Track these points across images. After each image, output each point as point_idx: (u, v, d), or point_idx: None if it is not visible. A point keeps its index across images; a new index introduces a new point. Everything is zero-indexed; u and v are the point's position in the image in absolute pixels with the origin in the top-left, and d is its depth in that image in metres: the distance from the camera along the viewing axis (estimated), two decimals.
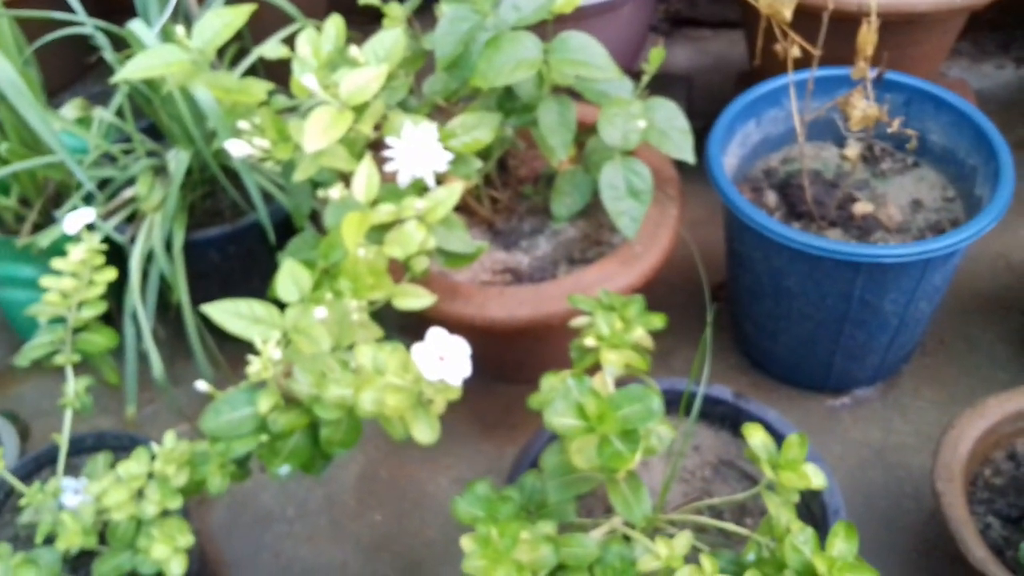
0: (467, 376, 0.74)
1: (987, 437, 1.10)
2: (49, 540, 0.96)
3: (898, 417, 1.35)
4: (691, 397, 1.01)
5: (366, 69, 1.01)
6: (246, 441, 0.85)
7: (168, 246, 1.28)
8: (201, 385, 0.88)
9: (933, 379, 1.39)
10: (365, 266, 0.91)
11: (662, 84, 1.27)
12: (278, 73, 1.22)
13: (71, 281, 1.01)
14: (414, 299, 0.95)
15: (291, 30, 1.37)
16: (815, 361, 1.33)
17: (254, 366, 0.81)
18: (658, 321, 0.91)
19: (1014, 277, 1.52)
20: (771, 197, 1.32)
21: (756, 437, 0.83)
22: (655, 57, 1.18)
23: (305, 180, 1.03)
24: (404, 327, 1.10)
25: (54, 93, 1.90)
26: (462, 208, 1.26)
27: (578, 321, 0.93)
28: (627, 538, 0.82)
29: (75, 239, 1.04)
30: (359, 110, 1.01)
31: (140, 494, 0.91)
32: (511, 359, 1.37)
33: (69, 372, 1.04)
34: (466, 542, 0.75)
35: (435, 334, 0.75)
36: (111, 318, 1.21)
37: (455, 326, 0.90)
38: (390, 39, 1.08)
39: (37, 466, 1.16)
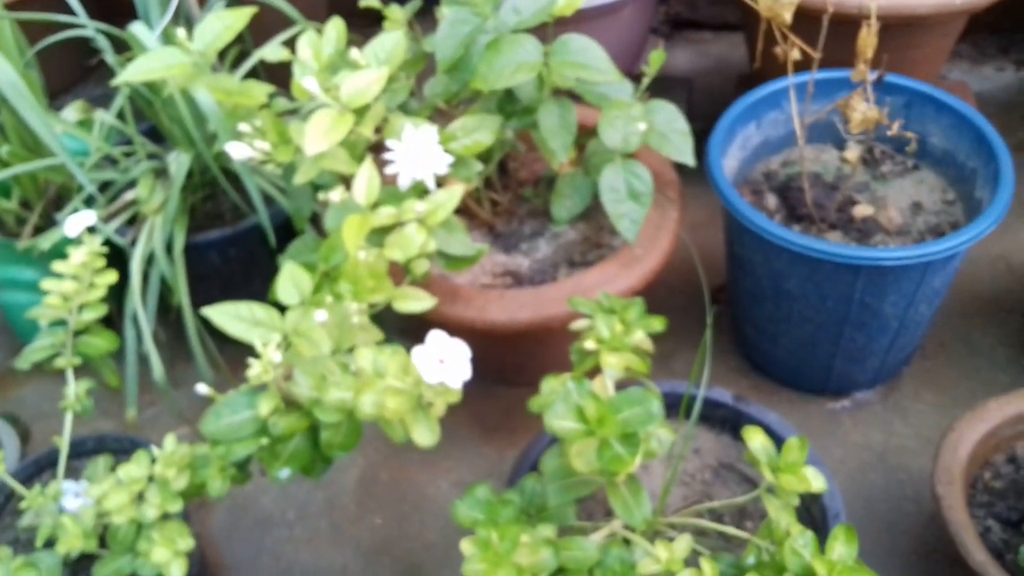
0: (467, 379, 0.75)
1: (987, 440, 1.10)
2: (49, 543, 0.96)
3: (898, 420, 1.35)
4: (691, 400, 1.01)
5: (367, 72, 1.01)
6: (246, 444, 0.85)
7: (169, 249, 1.28)
8: (201, 388, 0.88)
9: (933, 382, 1.39)
10: (365, 269, 0.91)
11: (662, 86, 1.27)
12: (279, 76, 1.23)
13: (72, 284, 1.02)
14: (414, 302, 0.95)
15: (292, 32, 1.37)
16: (815, 364, 1.33)
17: (254, 369, 0.81)
18: (658, 324, 0.91)
19: (1014, 280, 1.52)
20: (771, 200, 1.32)
21: (756, 440, 0.83)
22: (655, 59, 1.18)
23: (306, 183, 1.03)
24: (404, 330, 1.10)
25: (55, 95, 1.90)
26: (462, 211, 1.26)
27: (578, 324, 0.93)
28: (627, 541, 0.82)
29: (76, 242, 1.04)
30: (360, 113, 1.01)
31: (140, 497, 0.91)
32: (511, 362, 1.37)
33: (70, 375, 1.04)
34: (466, 545, 0.75)
35: (435, 337, 0.75)
36: (112, 321, 1.22)
37: (455, 329, 0.90)
38: (391, 42, 1.09)
39: (38, 469, 1.16)
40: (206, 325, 1.20)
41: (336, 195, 1.00)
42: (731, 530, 0.87)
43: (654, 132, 1.15)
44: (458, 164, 1.09)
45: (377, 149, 1.03)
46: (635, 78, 1.20)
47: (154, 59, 1.06)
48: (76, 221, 1.05)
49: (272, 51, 1.17)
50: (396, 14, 1.24)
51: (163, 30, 1.25)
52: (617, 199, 1.15)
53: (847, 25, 1.18)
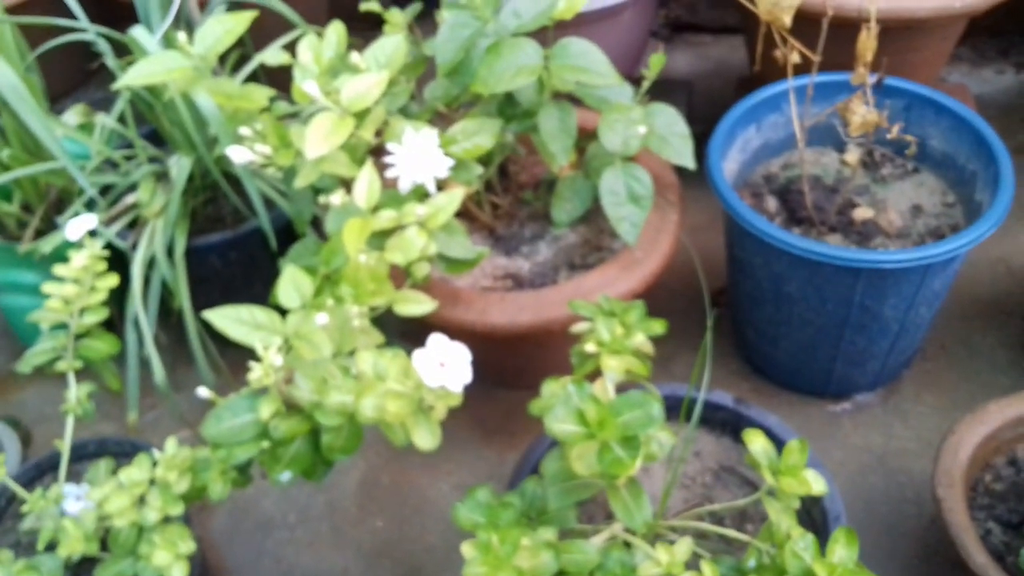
0: (468, 382, 0.75)
1: (988, 443, 1.10)
2: (51, 547, 0.96)
3: (899, 423, 1.35)
4: (692, 403, 1.01)
5: (367, 75, 1.01)
6: (247, 447, 0.85)
7: (170, 252, 1.28)
8: (203, 391, 0.88)
9: (934, 384, 1.39)
10: (366, 272, 0.91)
11: (663, 89, 1.28)
12: (279, 79, 1.23)
13: (73, 287, 1.02)
14: (415, 305, 0.95)
15: (292, 36, 1.37)
16: (816, 366, 1.33)
17: (255, 372, 0.82)
18: (658, 327, 0.92)
19: (1014, 282, 1.52)
20: (771, 202, 1.32)
21: (757, 443, 0.83)
22: (655, 63, 1.18)
23: (306, 186, 1.03)
24: (405, 333, 1.10)
25: (56, 99, 1.90)
26: (463, 214, 1.26)
27: (579, 327, 0.93)
28: (628, 544, 0.82)
29: (77, 245, 1.04)
30: (360, 116, 1.01)
31: (142, 500, 0.91)
32: (512, 365, 1.37)
33: (71, 378, 1.04)
34: (467, 548, 0.75)
35: (436, 340, 0.75)
36: (113, 324, 1.22)
37: (456, 332, 0.90)
38: (391, 45, 1.09)
39: (39, 472, 1.17)
40: (207, 328, 1.21)
41: (337, 198, 1.00)
42: (732, 533, 0.87)
43: (654, 135, 1.15)
44: (458, 167, 1.09)
45: (378, 152, 1.04)
46: (635, 81, 1.20)
47: (155, 63, 1.06)
48: (77, 225, 1.05)
49: (273, 55, 1.17)
50: (396, 18, 1.25)
51: (164, 34, 1.25)
52: (617, 202, 1.16)
53: (847, 28, 1.18)
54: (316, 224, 1.21)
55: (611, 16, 1.54)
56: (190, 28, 1.34)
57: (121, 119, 1.38)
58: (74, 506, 0.97)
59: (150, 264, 1.28)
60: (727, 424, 1.08)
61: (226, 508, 1.33)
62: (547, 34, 1.13)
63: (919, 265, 1.12)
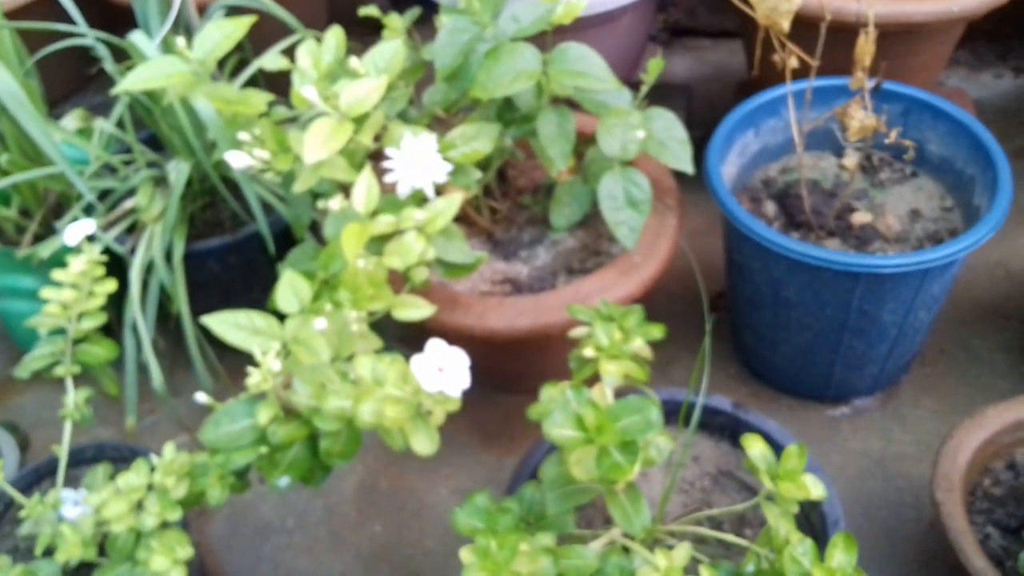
0: (466, 387, 0.75)
1: (986, 447, 1.10)
2: (49, 552, 0.96)
3: (897, 427, 1.35)
4: (690, 407, 1.01)
5: (366, 80, 1.01)
6: (245, 453, 0.85)
7: (168, 257, 1.28)
8: (201, 397, 0.88)
9: (932, 389, 1.39)
10: (365, 277, 0.91)
11: (661, 94, 1.28)
12: (278, 84, 1.23)
13: (71, 292, 1.02)
14: (413, 310, 0.95)
15: (291, 41, 1.38)
16: (814, 371, 1.33)
17: (253, 377, 0.82)
18: (657, 331, 0.92)
19: (1013, 286, 1.53)
20: (770, 207, 1.32)
21: (755, 448, 0.83)
22: (654, 67, 1.18)
23: (305, 191, 1.03)
24: (404, 338, 1.10)
25: (55, 104, 1.90)
26: (461, 219, 1.27)
27: (577, 331, 0.93)
28: (626, 549, 0.82)
29: (75, 250, 1.04)
30: (359, 121, 1.01)
31: (140, 506, 0.91)
32: (510, 369, 1.37)
33: (69, 383, 1.04)
34: (465, 553, 0.75)
35: (434, 345, 0.75)
36: (111, 329, 1.22)
37: (454, 336, 0.90)
38: (390, 50, 1.09)
39: (37, 477, 1.16)
40: (205, 333, 1.20)
41: (335, 203, 1.00)
42: (730, 538, 0.86)
43: (652, 140, 1.15)
44: (457, 172, 1.09)
45: (376, 157, 1.04)
46: (634, 86, 1.20)
47: (154, 68, 1.06)
48: (75, 230, 1.05)
49: (271, 60, 1.17)
50: (395, 22, 1.25)
51: (163, 39, 1.25)
52: (616, 207, 1.16)
53: (845, 33, 1.18)
54: (315, 229, 1.21)
55: (610, 21, 1.54)
56: (189, 33, 1.34)
57: (120, 124, 1.38)
58: (72, 511, 0.97)
59: (148, 269, 1.28)
60: (726, 429, 1.08)
61: (224, 513, 1.33)
62: (546, 39, 1.13)
63: (917, 269, 1.12)
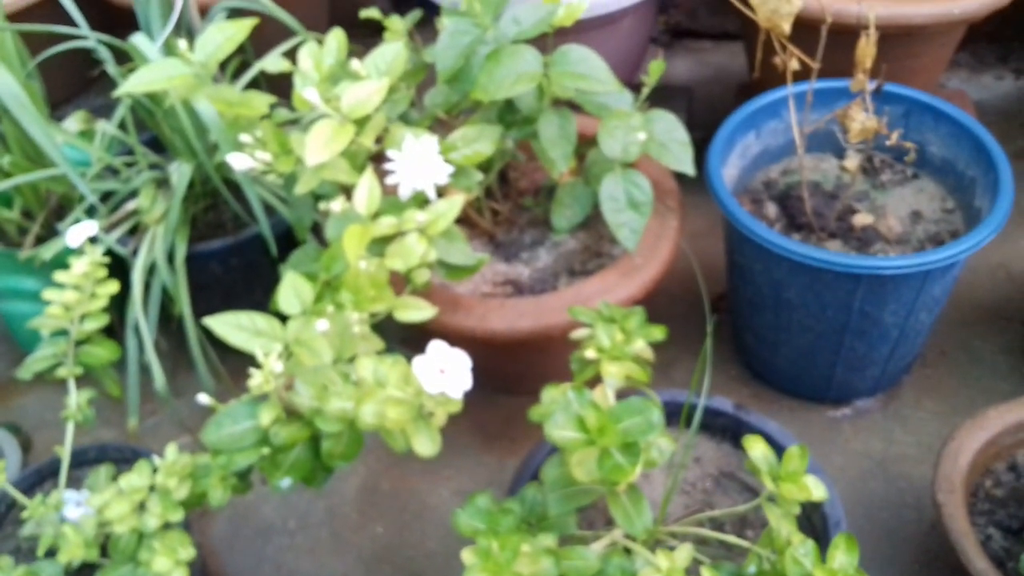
0: (468, 388, 0.75)
1: (987, 448, 1.10)
2: (51, 553, 0.96)
3: (899, 428, 1.35)
4: (692, 409, 1.02)
5: (367, 82, 1.01)
6: (247, 454, 0.85)
7: (170, 258, 1.28)
8: (203, 398, 0.88)
9: (934, 390, 1.39)
10: (366, 278, 0.91)
11: (662, 96, 1.28)
12: (280, 86, 1.23)
13: (73, 294, 1.02)
14: (415, 311, 0.95)
15: (293, 43, 1.38)
16: (816, 372, 1.33)
17: (256, 379, 0.82)
18: (658, 333, 0.92)
19: (1014, 288, 1.53)
20: (771, 209, 1.32)
21: (757, 449, 0.83)
22: (655, 69, 1.18)
23: (307, 193, 1.04)
24: (405, 339, 1.10)
25: (57, 106, 1.91)
26: (463, 220, 1.27)
27: (579, 333, 0.93)
28: (628, 551, 0.82)
29: (78, 252, 1.04)
30: (360, 123, 1.01)
31: (142, 507, 0.91)
32: (512, 371, 1.37)
33: (71, 384, 1.04)
34: (467, 555, 0.75)
35: (436, 347, 0.75)
36: (113, 330, 1.22)
37: (456, 338, 0.90)
38: (391, 52, 1.09)
39: (39, 478, 1.17)
40: (207, 335, 1.21)
41: (337, 205, 1.01)
42: (732, 539, 0.87)
43: (654, 142, 1.15)
44: (458, 174, 1.09)
45: (378, 159, 1.04)
46: (635, 88, 1.20)
47: (156, 70, 1.07)
48: (78, 231, 1.05)
49: (273, 62, 1.17)
50: (397, 25, 1.25)
51: (164, 41, 1.26)
52: (617, 208, 1.16)
53: (846, 35, 1.18)
54: (316, 230, 1.22)
55: (611, 23, 1.54)
56: (191, 35, 1.34)
57: (122, 126, 1.38)
58: (74, 512, 0.97)
59: (150, 270, 1.29)
60: (727, 430, 1.08)
61: (226, 514, 1.33)
62: (547, 41, 1.13)
63: (919, 271, 1.12)
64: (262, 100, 1.08)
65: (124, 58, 1.29)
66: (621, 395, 0.85)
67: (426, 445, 0.79)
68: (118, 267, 1.22)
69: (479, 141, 1.11)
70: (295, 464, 0.85)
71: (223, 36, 1.08)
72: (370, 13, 1.27)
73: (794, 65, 1.15)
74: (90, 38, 1.33)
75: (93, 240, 1.08)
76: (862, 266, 1.12)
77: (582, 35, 1.38)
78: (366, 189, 0.97)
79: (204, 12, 1.42)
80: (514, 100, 1.16)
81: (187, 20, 1.35)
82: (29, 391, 1.51)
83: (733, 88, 1.86)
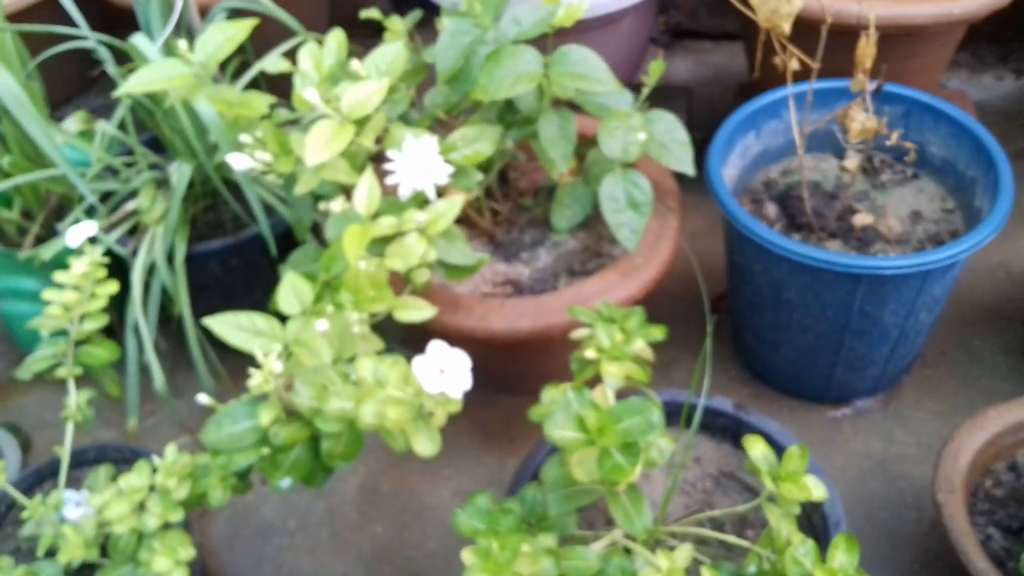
0: (468, 388, 0.75)
1: (988, 448, 1.10)
2: (51, 553, 0.96)
3: (899, 428, 1.35)
4: (692, 409, 1.02)
5: (367, 83, 1.01)
6: (247, 454, 0.85)
7: (170, 259, 1.28)
8: (202, 398, 0.88)
9: (934, 390, 1.39)
10: (366, 279, 0.91)
11: (662, 96, 1.28)
12: (280, 86, 1.23)
13: (73, 294, 1.02)
14: (415, 311, 0.95)
15: (293, 44, 1.38)
16: (816, 372, 1.33)
17: (255, 379, 0.82)
18: (658, 333, 0.92)
19: (1014, 288, 1.53)
20: (771, 209, 1.32)
21: (757, 449, 0.83)
22: (655, 70, 1.18)
23: (307, 193, 1.04)
24: (405, 339, 1.10)
25: (57, 106, 1.91)
26: (463, 220, 1.27)
27: (578, 333, 0.93)
28: (628, 551, 0.82)
29: (77, 252, 1.04)
30: (360, 123, 1.01)
31: (142, 507, 0.91)
32: (512, 371, 1.37)
33: (71, 385, 1.04)
34: (467, 555, 0.75)
35: (436, 347, 0.75)
36: (113, 331, 1.22)
37: (456, 338, 0.90)
38: (391, 53, 1.09)
39: (39, 478, 1.17)
40: (207, 335, 1.21)
41: (337, 205, 1.01)
42: (732, 539, 0.87)
43: (654, 142, 1.15)
44: (458, 174, 1.09)
45: (378, 159, 1.04)
46: (635, 88, 1.20)
47: (156, 70, 1.07)
48: (77, 231, 1.05)
49: (273, 62, 1.17)
50: (396, 25, 1.25)
51: (164, 41, 1.26)
52: (617, 208, 1.16)
53: (846, 35, 1.18)
54: (316, 231, 1.22)
55: (611, 23, 1.54)
56: (191, 36, 1.34)
57: (121, 126, 1.38)
58: (74, 512, 0.97)
59: (150, 270, 1.29)
60: (727, 430, 1.08)
61: (226, 514, 1.33)
62: (547, 41, 1.13)
63: (919, 271, 1.12)
64: (262, 100, 1.08)
65: (124, 58, 1.29)
66: (621, 395, 0.85)
67: (426, 445, 0.79)
68: (118, 267, 1.21)
69: (479, 141, 1.11)
70: (295, 464, 0.85)
71: (223, 36, 1.08)
72: (370, 13, 1.27)
73: (794, 65, 1.15)
74: (90, 38, 1.33)
75: (93, 240, 1.08)
76: (862, 266, 1.12)
77: (582, 35, 1.38)
78: (366, 189, 0.97)
79: (204, 12, 1.42)
80: (514, 100, 1.16)
81: (187, 20, 1.35)
82: (29, 391, 1.51)
83: (733, 88, 1.86)
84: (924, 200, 1.33)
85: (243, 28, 1.09)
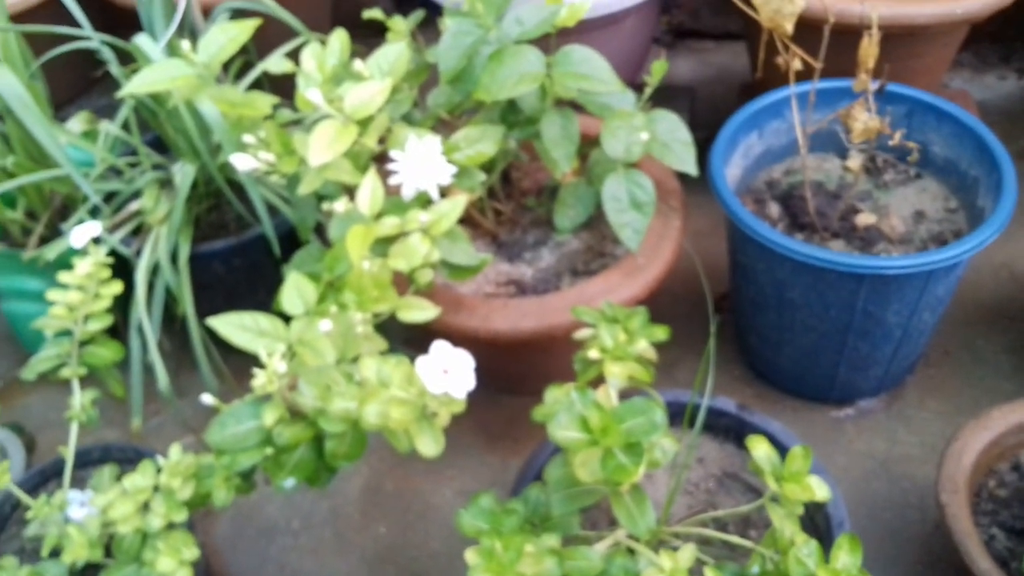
0: (471, 388, 0.75)
1: (991, 448, 1.10)
2: (55, 553, 0.96)
3: (902, 428, 1.35)
4: (695, 409, 1.02)
5: (370, 83, 1.01)
6: (251, 454, 0.85)
7: (174, 259, 1.28)
8: (206, 398, 0.89)
9: (937, 390, 1.39)
10: (370, 279, 0.91)
11: (665, 96, 1.28)
12: (283, 87, 1.23)
13: (77, 294, 1.02)
14: (418, 311, 0.95)
15: (296, 44, 1.38)
16: (819, 372, 1.33)
17: (259, 379, 0.82)
18: (661, 333, 0.92)
19: (1018, 287, 1.52)
20: (774, 208, 1.32)
21: (760, 449, 0.83)
22: (657, 69, 1.18)
23: (310, 193, 1.04)
24: (409, 340, 1.10)
25: (60, 107, 1.91)
26: (466, 220, 1.27)
27: (582, 333, 0.93)
28: (631, 551, 0.82)
29: (81, 252, 1.05)
30: (363, 124, 1.01)
31: (146, 507, 0.91)
32: (515, 371, 1.37)
33: (75, 385, 1.04)
34: (470, 555, 0.75)
35: (439, 347, 0.75)
36: (117, 331, 1.22)
37: (459, 338, 0.90)
38: (394, 53, 1.09)
39: (43, 479, 1.17)
40: (211, 335, 1.21)
41: (340, 205, 1.01)
42: (735, 539, 0.87)
43: (656, 142, 1.15)
44: (461, 174, 1.09)
45: (381, 160, 1.04)
46: (637, 88, 1.20)
47: (159, 71, 1.07)
48: (81, 232, 1.05)
49: (276, 63, 1.18)
50: (399, 25, 1.25)
51: (168, 42, 1.26)
52: (620, 208, 1.16)
53: (848, 35, 1.18)
54: (319, 231, 1.22)
55: (613, 23, 1.54)
56: (194, 36, 1.34)
57: (125, 126, 1.38)
58: (78, 512, 0.97)
59: (154, 271, 1.29)
60: (730, 430, 1.08)
61: (230, 514, 1.33)
62: (549, 41, 1.13)
63: (922, 271, 1.12)
64: (265, 101, 1.08)
65: (127, 59, 1.29)
66: (624, 395, 0.85)
67: (429, 445, 0.79)
68: (122, 267, 1.22)
69: (482, 141, 1.11)
70: (299, 464, 0.85)
71: (226, 37, 1.08)
72: (373, 14, 1.27)
73: (797, 65, 1.15)
74: (93, 39, 1.33)
75: (97, 241, 1.08)
76: (865, 266, 1.12)
77: (585, 35, 1.38)
78: (369, 189, 0.97)
79: (207, 13, 1.43)
80: (517, 100, 1.16)
81: (190, 21, 1.35)
82: (33, 391, 1.51)
83: (736, 88, 1.86)
84: (927, 200, 1.33)
85: (246, 28, 1.09)
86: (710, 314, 1.38)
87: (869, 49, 1.12)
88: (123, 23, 1.49)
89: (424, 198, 1.01)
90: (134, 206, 1.34)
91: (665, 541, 0.89)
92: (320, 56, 1.09)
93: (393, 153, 1.01)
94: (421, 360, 0.75)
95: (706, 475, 1.07)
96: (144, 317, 1.27)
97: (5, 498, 1.13)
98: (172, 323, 1.34)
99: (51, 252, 1.29)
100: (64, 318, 1.02)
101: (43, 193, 1.38)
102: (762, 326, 1.34)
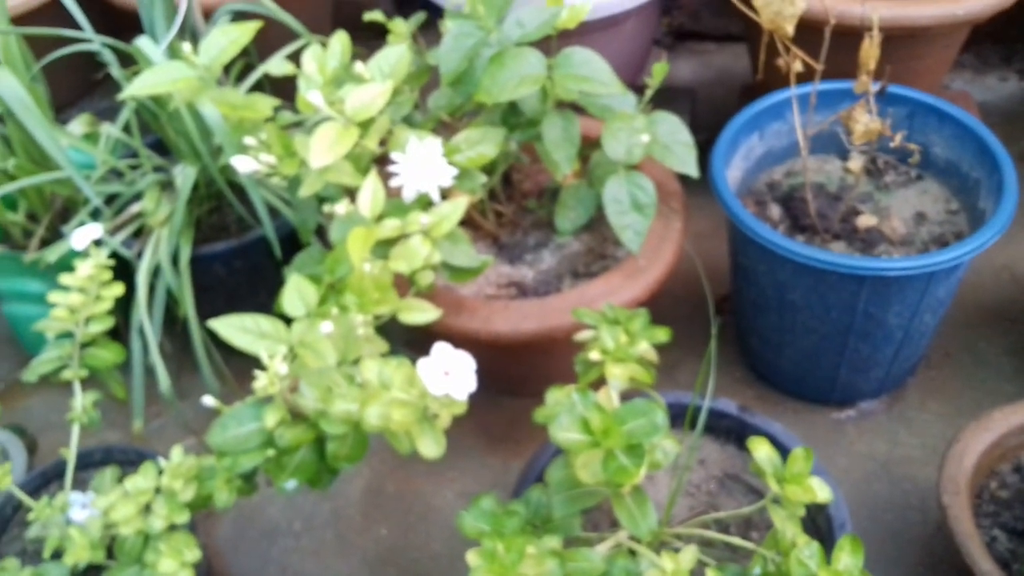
0: (472, 390, 0.75)
1: (993, 450, 1.10)
2: (57, 555, 0.96)
3: (904, 430, 1.35)
4: (696, 411, 1.02)
5: (371, 85, 1.01)
6: (253, 456, 0.85)
7: (175, 261, 1.28)
8: (208, 400, 0.89)
9: (938, 392, 1.39)
10: (371, 281, 0.91)
11: (666, 98, 1.28)
12: (284, 89, 1.23)
13: (78, 296, 1.02)
14: (419, 313, 0.95)
15: (296, 46, 1.38)
16: (820, 374, 1.33)
17: (260, 381, 0.82)
18: (663, 335, 0.92)
19: (1019, 289, 1.52)
20: (775, 210, 1.32)
21: (761, 451, 0.83)
22: (658, 71, 1.18)
23: (311, 195, 1.04)
24: (410, 341, 1.10)
25: (61, 109, 1.91)
26: (467, 222, 1.27)
27: (583, 335, 0.93)
28: (633, 552, 0.82)
29: (82, 254, 1.05)
30: (364, 126, 1.01)
31: (147, 508, 0.91)
32: (516, 373, 1.37)
33: (76, 387, 1.04)
34: (472, 556, 0.75)
35: (440, 349, 0.75)
36: (118, 333, 1.22)
37: (460, 340, 0.90)
38: (395, 55, 1.09)
39: (45, 480, 1.17)
40: (212, 337, 1.21)
41: (341, 207, 1.01)
42: (737, 541, 0.87)
43: (657, 143, 1.15)
44: (462, 176, 1.09)
45: (382, 162, 1.04)
46: (638, 90, 1.20)
47: (160, 73, 1.07)
48: (82, 234, 1.06)
49: (277, 65, 1.18)
50: (400, 27, 1.25)
51: (169, 44, 1.26)
52: (621, 210, 1.16)
53: (849, 36, 1.18)
54: (320, 233, 1.22)
55: (614, 25, 1.54)
56: (195, 38, 1.34)
57: (126, 129, 1.39)
58: (80, 514, 0.97)
59: (155, 273, 1.29)
60: (732, 432, 1.08)
61: (231, 516, 1.33)
62: (550, 43, 1.13)
63: (923, 273, 1.12)
64: (266, 103, 1.08)
65: (128, 61, 1.29)
66: (625, 397, 0.85)
67: (431, 447, 0.79)
68: (123, 270, 1.22)
69: (483, 143, 1.11)
70: (300, 466, 0.85)
71: (227, 39, 1.08)
72: (374, 16, 1.27)
73: (797, 67, 1.15)
74: (94, 41, 1.33)
75: (98, 243, 1.08)
76: (866, 268, 1.12)
77: (585, 37, 1.38)
78: (370, 191, 0.97)
79: (208, 15, 1.43)
80: (518, 102, 1.16)
81: (191, 23, 1.35)
82: (34, 393, 1.51)
83: (736, 90, 1.86)
84: (928, 201, 1.33)
85: (247, 31, 1.09)
86: (711, 316, 1.38)
87: (870, 51, 1.12)
88: (124, 25, 1.50)
89: (425, 200, 1.02)
90: (135, 208, 1.34)
91: (667, 542, 0.89)
92: (321, 58, 1.09)
93: (394, 155, 1.01)
94: (422, 362, 0.75)
95: (707, 476, 1.07)
96: (145, 319, 1.27)
97: (7, 500, 1.13)
98: (173, 325, 1.34)
99: (52, 254, 1.29)
100: (65, 320, 1.02)
101: (44, 195, 1.38)
102: (763, 328, 1.34)
